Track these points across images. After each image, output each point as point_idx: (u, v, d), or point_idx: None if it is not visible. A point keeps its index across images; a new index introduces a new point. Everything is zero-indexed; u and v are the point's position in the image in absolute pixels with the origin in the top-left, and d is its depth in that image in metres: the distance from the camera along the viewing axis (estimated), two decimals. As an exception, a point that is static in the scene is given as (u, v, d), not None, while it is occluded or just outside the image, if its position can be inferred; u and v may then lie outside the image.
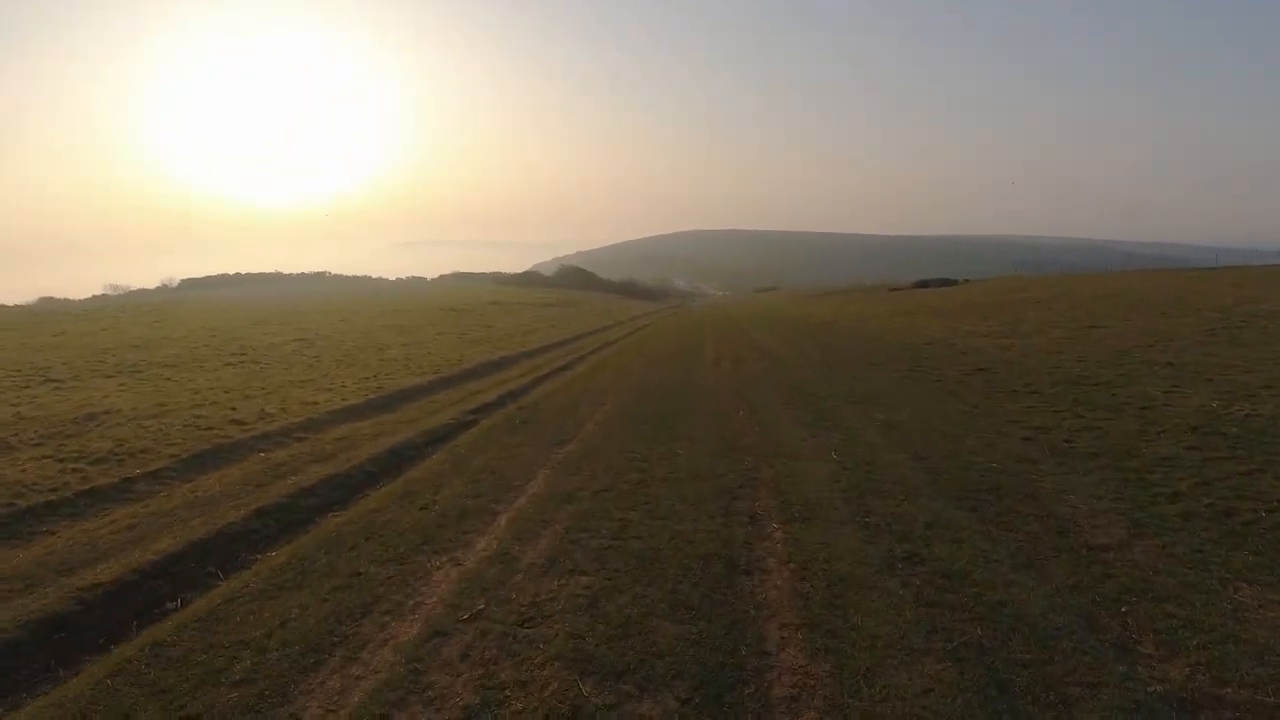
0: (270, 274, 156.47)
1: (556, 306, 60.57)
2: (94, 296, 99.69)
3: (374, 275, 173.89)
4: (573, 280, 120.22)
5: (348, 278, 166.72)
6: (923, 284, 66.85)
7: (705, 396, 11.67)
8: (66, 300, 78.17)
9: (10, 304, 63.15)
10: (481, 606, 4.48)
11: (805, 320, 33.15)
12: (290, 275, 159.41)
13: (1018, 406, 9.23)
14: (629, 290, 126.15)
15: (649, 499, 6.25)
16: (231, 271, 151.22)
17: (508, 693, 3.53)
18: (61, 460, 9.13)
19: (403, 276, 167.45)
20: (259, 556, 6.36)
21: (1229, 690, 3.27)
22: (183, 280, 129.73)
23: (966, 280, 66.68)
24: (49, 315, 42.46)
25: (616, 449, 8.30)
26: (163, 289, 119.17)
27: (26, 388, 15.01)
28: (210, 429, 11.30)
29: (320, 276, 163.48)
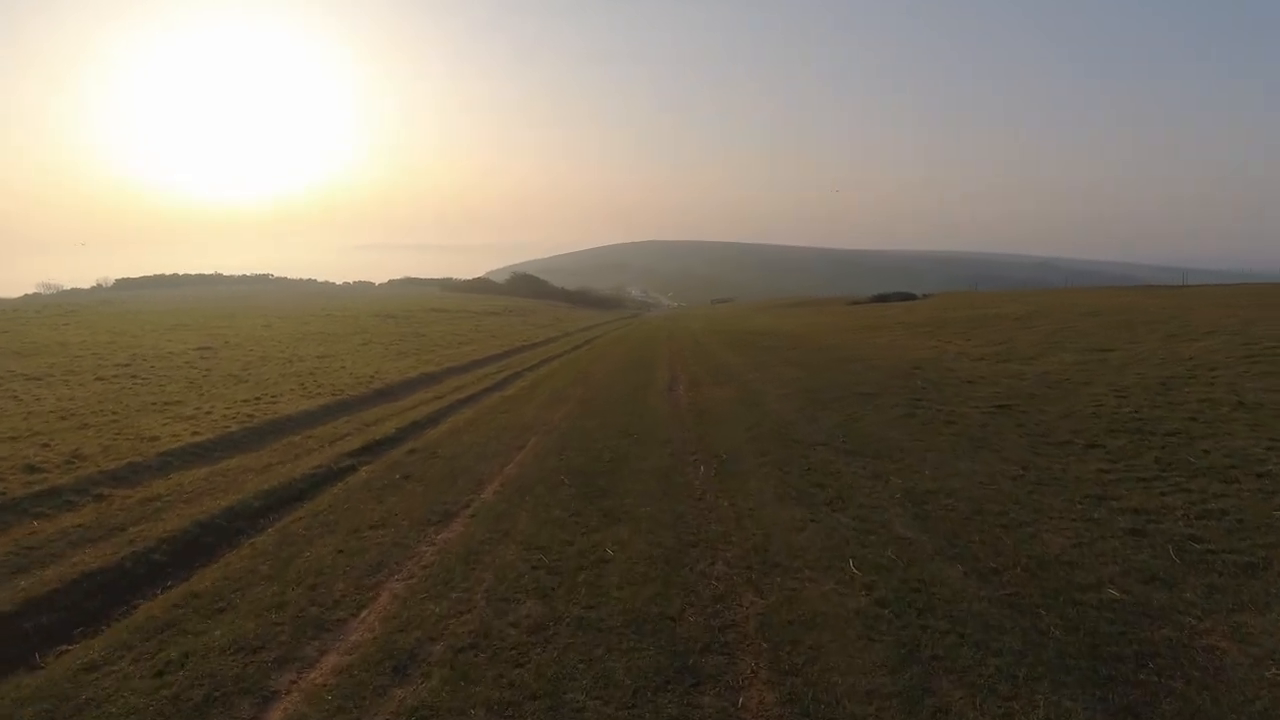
0: (210, 275, 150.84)
1: (502, 315, 57.26)
2: (25, 295, 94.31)
3: (320, 279, 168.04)
4: (524, 288, 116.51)
5: (291, 280, 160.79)
6: (881, 298, 65.47)
7: (655, 441, 8.87)
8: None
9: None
10: None
11: (769, 334, 30.68)
12: (232, 277, 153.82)
13: (1086, 470, 6.65)
14: (582, 299, 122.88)
15: (543, 681, 3.41)
16: (169, 272, 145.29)
17: None
18: None
19: (350, 280, 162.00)
20: None
21: None
22: (118, 280, 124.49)
23: (926, 295, 65.60)
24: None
25: (518, 539, 5.45)
26: (96, 289, 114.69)
27: None
28: (-13, 479, 8.17)
29: (264, 279, 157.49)
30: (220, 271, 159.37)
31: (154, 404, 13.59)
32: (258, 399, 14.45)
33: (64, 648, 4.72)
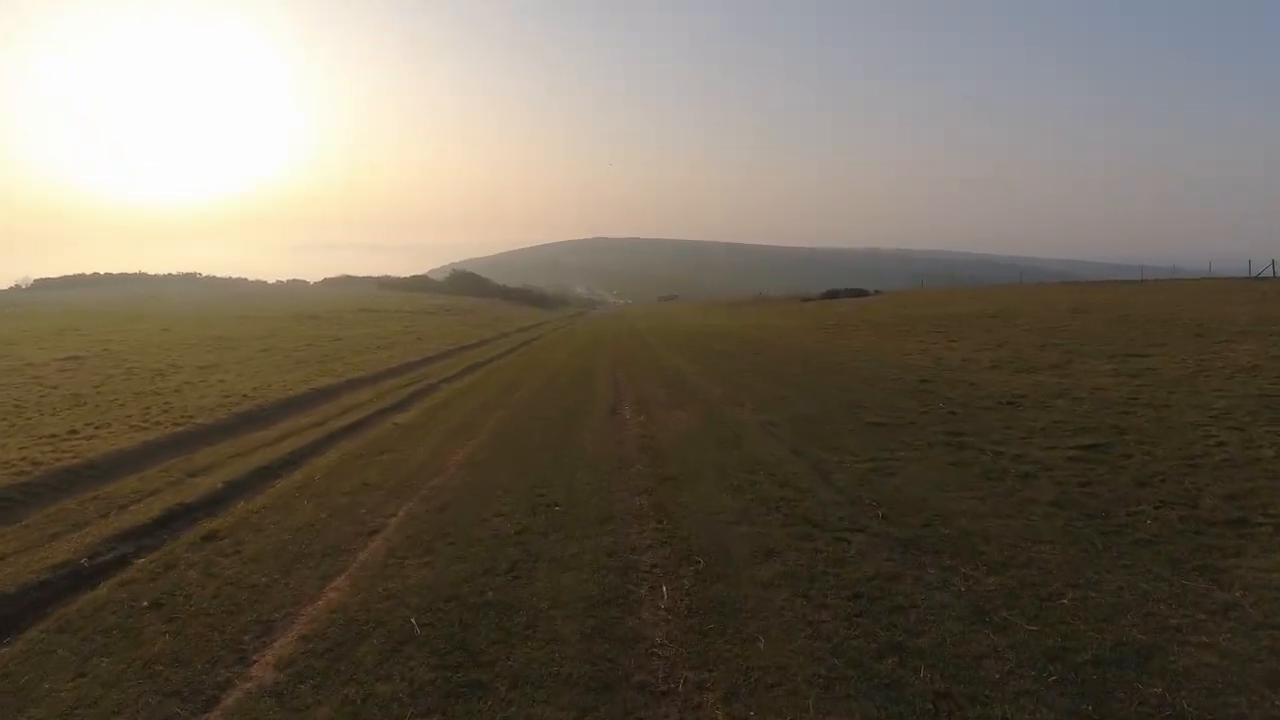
0: (134, 275, 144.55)
1: (437, 315, 53.29)
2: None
3: (252, 278, 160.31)
4: (464, 286, 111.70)
5: (219, 280, 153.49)
6: (832, 294, 63.88)
7: (587, 519, 5.67)
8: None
9: None
10: None
11: (725, 336, 27.77)
12: (156, 276, 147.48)
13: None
14: (524, 297, 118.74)
15: None
16: (90, 272, 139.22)
17: None
18: None
19: (283, 280, 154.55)
20: None
21: None
22: (36, 280, 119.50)
23: (878, 291, 64.12)
24: None
25: None
26: (14, 290, 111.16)
27: None
28: None
29: (189, 278, 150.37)
30: (144, 271, 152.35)
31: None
32: (73, 432, 10.85)
33: None
